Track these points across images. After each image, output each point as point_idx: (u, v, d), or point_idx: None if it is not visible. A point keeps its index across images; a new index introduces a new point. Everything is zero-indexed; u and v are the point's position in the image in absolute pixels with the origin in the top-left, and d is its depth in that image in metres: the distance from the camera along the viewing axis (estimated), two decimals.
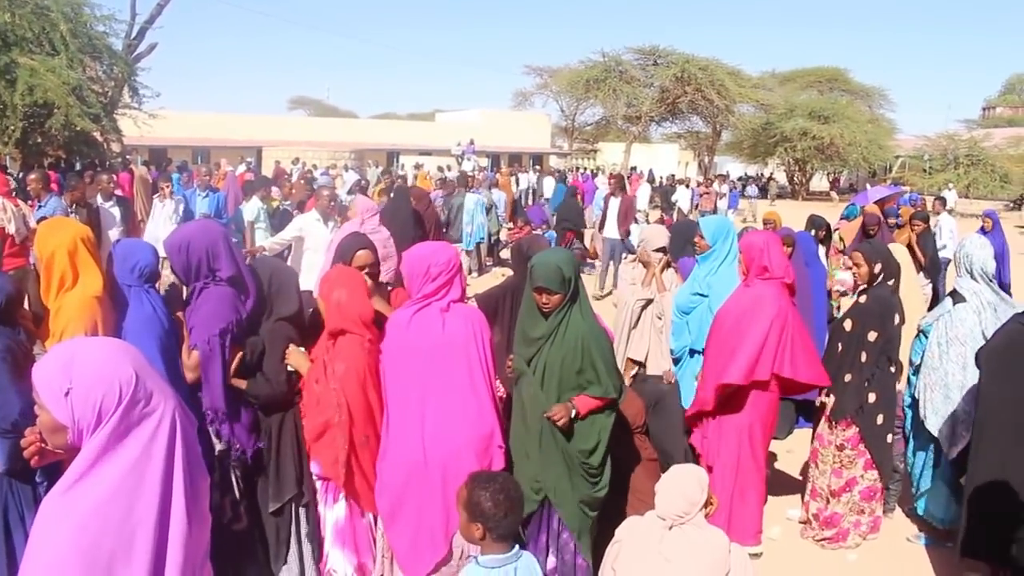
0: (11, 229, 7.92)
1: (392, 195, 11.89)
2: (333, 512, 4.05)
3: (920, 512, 5.60)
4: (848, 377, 5.22)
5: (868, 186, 26.26)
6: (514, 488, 3.10)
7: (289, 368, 4.02)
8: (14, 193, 9.48)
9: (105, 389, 1.90)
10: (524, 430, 4.02)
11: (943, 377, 5.23)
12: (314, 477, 4.07)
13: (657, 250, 6.08)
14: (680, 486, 3.39)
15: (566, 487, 3.98)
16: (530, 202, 25.82)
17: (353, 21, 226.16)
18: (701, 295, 5.63)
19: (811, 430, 5.71)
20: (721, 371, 4.88)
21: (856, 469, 5.32)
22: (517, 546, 3.07)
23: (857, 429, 5.25)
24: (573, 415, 3.89)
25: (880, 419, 5.23)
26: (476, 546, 3.99)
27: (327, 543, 4.09)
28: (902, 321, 5.28)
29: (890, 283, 5.27)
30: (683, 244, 6.62)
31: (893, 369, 5.27)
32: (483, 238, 14.95)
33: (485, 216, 14.94)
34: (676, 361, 5.83)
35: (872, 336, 5.19)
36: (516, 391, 4.12)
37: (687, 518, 3.34)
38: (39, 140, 18.82)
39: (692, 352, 5.63)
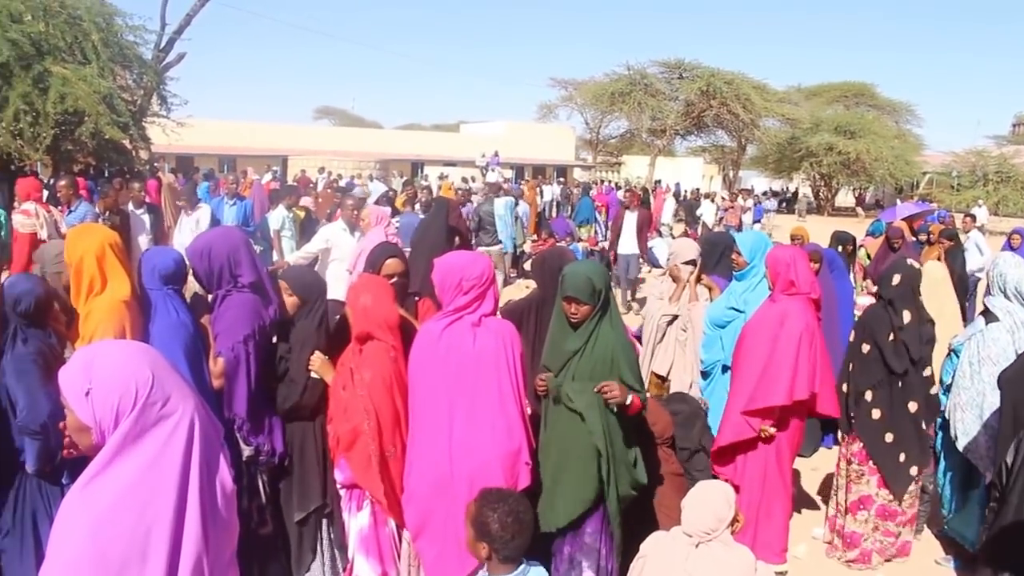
0: (43, 234, 8.00)
1: (433, 207, 11.89)
2: (357, 520, 4.03)
3: (950, 533, 5.52)
4: (844, 387, 5.29)
5: (898, 201, 26.05)
6: (524, 510, 3.06)
7: (314, 375, 4.02)
8: (45, 199, 9.59)
9: (122, 390, 1.93)
10: (567, 433, 3.99)
11: (974, 397, 5.15)
12: (338, 485, 4.06)
13: (687, 263, 6.05)
14: (708, 502, 3.36)
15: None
16: (554, 214, 25.82)
17: (378, 32, 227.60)
18: (737, 310, 5.59)
19: (837, 448, 5.65)
20: (756, 392, 4.84)
21: (870, 487, 5.27)
22: (524, 562, 3.05)
23: (862, 444, 5.22)
24: (628, 401, 3.84)
25: (889, 437, 5.18)
26: None
27: (351, 550, 4.08)
28: (932, 340, 5.22)
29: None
30: (717, 257, 6.57)
31: (901, 385, 5.16)
32: (513, 241, 14.89)
33: (514, 220, 14.89)
34: (705, 375, 5.79)
35: (865, 348, 5.21)
36: (546, 405, 4.09)
37: (714, 535, 3.31)
38: (70, 147, 19.04)
39: (725, 368, 5.58)
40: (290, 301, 4.03)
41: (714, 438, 5.10)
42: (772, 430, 4.87)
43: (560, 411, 3.97)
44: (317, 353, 4.03)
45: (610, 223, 15.65)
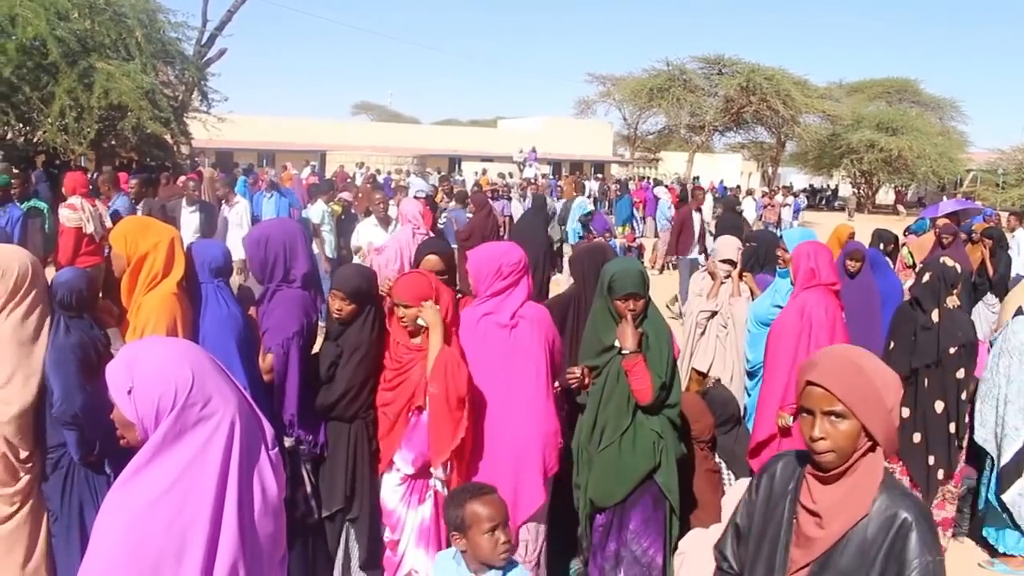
0: (89, 228, 8.11)
1: (533, 202, 12.08)
2: (418, 513, 3.99)
3: (985, 534, 5.44)
4: None
5: (944, 198, 25.59)
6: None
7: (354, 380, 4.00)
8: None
9: (161, 390, 1.94)
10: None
11: (991, 388, 5.19)
12: (396, 479, 4.01)
13: (725, 260, 6.01)
14: None
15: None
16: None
17: (416, 27, 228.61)
18: (781, 308, 5.52)
19: None
20: (784, 392, 4.81)
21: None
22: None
23: None
24: (630, 350, 3.86)
25: (917, 438, 5.14)
26: (538, 542, 4.01)
27: (404, 545, 4.03)
28: (967, 343, 5.15)
29: (951, 295, 5.16)
30: (763, 255, 6.49)
31: (927, 384, 5.12)
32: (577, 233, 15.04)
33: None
34: (751, 374, 5.75)
35: (890, 346, 5.20)
36: (597, 386, 4.08)
37: None
38: (112, 142, 19.36)
39: None
40: (348, 309, 3.99)
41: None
42: (790, 420, 4.82)
43: (613, 389, 3.99)
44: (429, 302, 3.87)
45: (671, 223, 15.03)
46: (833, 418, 2.02)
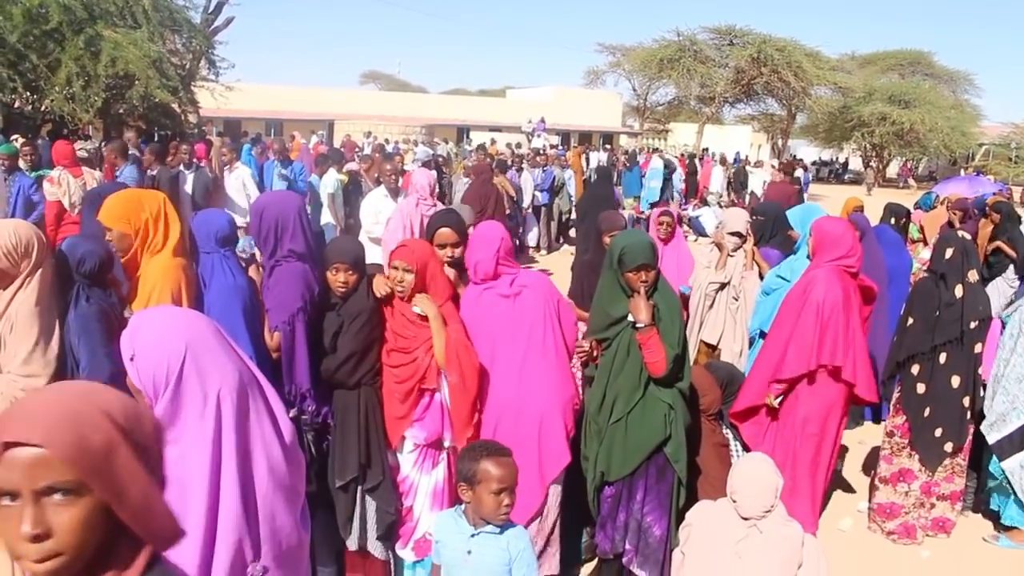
0: (67, 202, 8.09)
1: (598, 174, 12.20)
2: (431, 477, 4.04)
3: (993, 510, 5.45)
4: (898, 360, 5.28)
5: (962, 172, 25.33)
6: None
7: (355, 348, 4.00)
8: (85, 161, 9.71)
9: (156, 363, 1.96)
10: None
11: (999, 366, 5.21)
12: (410, 445, 4.04)
13: (733, 233, 5.97)
14: (761, 480, 3.29)
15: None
16: None
17: None
18: (783, 278, 5.55)
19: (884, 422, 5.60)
20: (782, 363, 4.80)
21: (912, 461, 5.25)
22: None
23: (905, 418, 5.20)
24: (645, 323, 3.88)
25: (927, 412, 5.14)
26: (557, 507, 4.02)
27: (418, 509, 4.07)
28: (986, 317, 5.12)
29: (970, 273, 5.11)
30: (770, 229, 6.44)
31: (945, 359, 5.09)
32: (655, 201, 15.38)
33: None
34: (752, 341, 5.76)
35: (909, 322, 5.17)
36: (607, 359, 4.10)
37: (774, 510, 3.27)
38: (120, 111, 19.29)
39: (763, 334, 5.54)
40: (352, 280, 3.97)
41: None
42: (776, 402, 4.81)
43: (624, 362, 4.01)
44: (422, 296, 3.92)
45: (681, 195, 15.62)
46: None
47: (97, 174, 8.71)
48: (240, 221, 6.53)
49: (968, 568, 5.05)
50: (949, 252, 5.07)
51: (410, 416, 3.92)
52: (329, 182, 10.69)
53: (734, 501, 3.31)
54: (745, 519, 3.29)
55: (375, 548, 4.15)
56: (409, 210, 6.99)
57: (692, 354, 5.67)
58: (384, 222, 7.67)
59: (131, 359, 1.99)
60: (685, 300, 5.75)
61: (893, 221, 8.50)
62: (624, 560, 4.13)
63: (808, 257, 5.13)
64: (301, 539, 2.27)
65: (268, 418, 2.16)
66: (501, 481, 2.87)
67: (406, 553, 4.14)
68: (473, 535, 2.94)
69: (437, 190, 8.70)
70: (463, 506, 3.09)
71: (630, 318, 3.94)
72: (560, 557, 4.22)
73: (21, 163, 8.84)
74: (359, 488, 4.07)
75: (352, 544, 4.13)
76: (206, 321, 2.17)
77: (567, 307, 4.21)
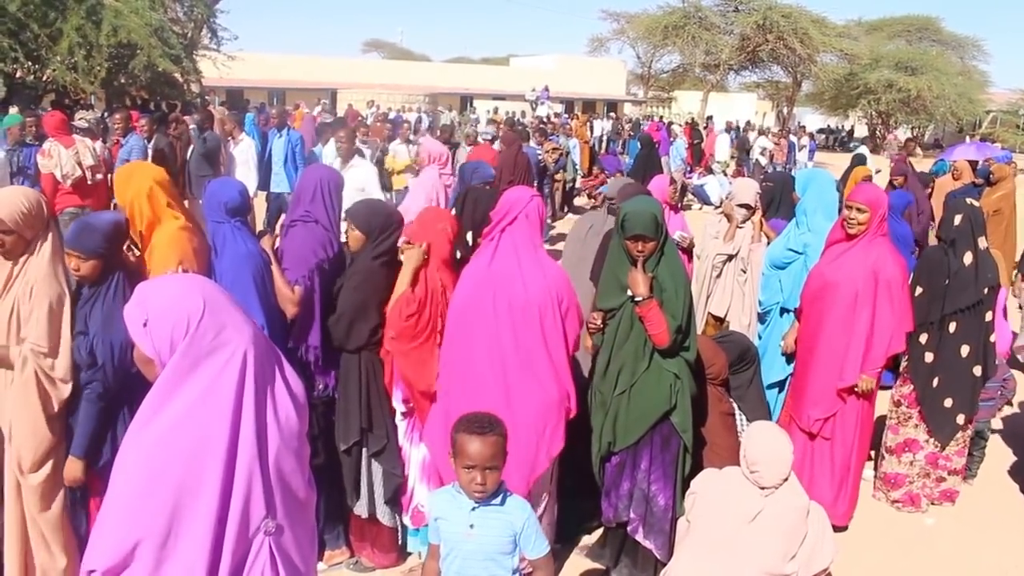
0: (59, 174, 8.09)
1: (643, 142, 12.32)
2: (419, 450, 4.09)
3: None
4: None
5: (968, 139, 25.13)
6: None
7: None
8: (83, 132, 9.70)
9: (175, 319, 1.97)
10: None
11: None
12: (398, 416, 4.10)
13: (741, 205, 5.93)
14: (777, 451, 3.26)
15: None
16: (604, 150, 25.46)
17: None
18: (796, 251, 5.47)
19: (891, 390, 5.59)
20: (867, 344, 4.69)
21: (918, 431, 5.25)
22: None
23: (912, 387, 5.18)
24: (642, 296, 3.85)
25: (936, 382, 5.12)
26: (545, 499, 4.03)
27: (412, 479, 4.13)
28: (995, 284, 5.09)
29: (980, 239, 5.08)
30: (777, 198, 6.38)
31: (954, 328, 5.06)
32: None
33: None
34: (762, 317, 5.71)
35: (918, 291, 5.12)
36: (612, 329, 4.06)
37: (789, 479, 3.27)
38: (123, 80, 19.20)
39: (783, 311, 5.49)
40: (353, 236, 4.03)
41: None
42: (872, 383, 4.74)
43: (629, 332, 3.99)
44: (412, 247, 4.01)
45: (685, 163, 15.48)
46: None
47: (90, 143, 8.66)
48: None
49: (972, 536, 5.08)
50: (958, 219, 5.03)
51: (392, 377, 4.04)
52: (330, 151, 10.65)
53: (753, 472, 3.28)
54: (762, 488, 3.28)
55: (383, 515, 4.21)
56: (431, 181, 6.99)
57: (700, 325, 5.67)
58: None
59: (144, 324, 1.99)
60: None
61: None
62: (629, 529, 4.15)
63: (843, 226, 4.83)
64: (309, 497, 2.29)
65: (280, 377, 2.19)
66: (471, 460, 2.77)
67: (406, 519, 4.23)
68: (474, 508, 2.87)
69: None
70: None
71: (629, 292, 3.92)
72: (563, 525, 4.24)
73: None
74: (363, 452, 4.13)
75: (361, 510, 4.18)
76: (218, 287, 2.19)
77: (575, 309, 4.07)
